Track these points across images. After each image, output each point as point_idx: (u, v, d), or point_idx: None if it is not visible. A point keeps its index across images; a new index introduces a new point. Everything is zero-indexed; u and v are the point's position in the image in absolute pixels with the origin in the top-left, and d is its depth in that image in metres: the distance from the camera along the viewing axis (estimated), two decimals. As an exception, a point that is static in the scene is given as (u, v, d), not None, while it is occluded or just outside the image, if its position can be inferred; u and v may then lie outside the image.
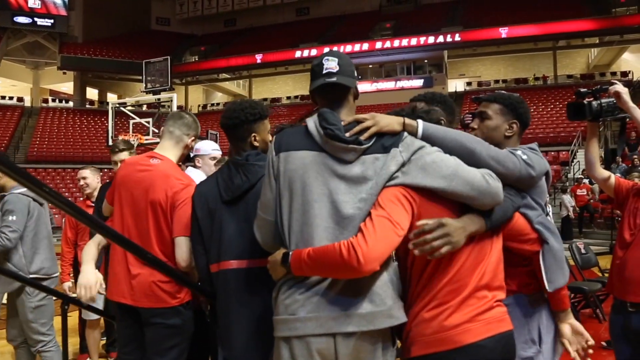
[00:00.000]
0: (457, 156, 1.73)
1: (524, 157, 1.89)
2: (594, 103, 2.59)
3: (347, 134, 1.72)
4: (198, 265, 2.27)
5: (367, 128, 1.74)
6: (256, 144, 2.24)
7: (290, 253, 1.69)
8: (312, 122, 1.80)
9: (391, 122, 1.77)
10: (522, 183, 1.90)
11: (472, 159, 1.75)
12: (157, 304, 2.47)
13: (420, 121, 1.79)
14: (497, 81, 30.01)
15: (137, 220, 2.56)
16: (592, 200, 15.67)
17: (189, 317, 2.56)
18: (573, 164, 19.60)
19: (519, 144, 2.15)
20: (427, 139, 1.76)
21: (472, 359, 1.68)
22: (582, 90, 2.65)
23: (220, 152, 3.81)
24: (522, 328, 1.95)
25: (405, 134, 1.75)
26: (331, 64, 1.80)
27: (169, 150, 2.67)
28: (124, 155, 3.88)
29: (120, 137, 17.56)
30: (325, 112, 1.78)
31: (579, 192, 15.72)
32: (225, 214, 2.16)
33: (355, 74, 1.88)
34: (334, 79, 1.79)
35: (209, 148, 3.75)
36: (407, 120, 1.78)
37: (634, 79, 26.49)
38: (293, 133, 1.85)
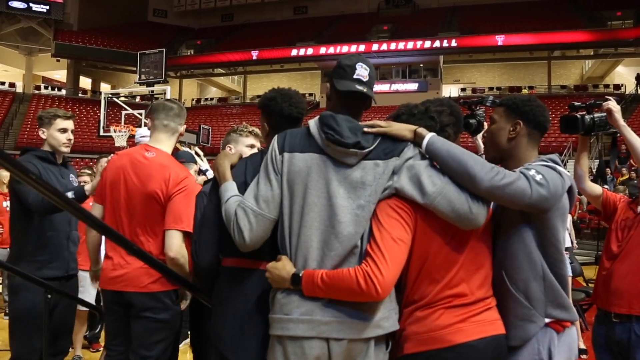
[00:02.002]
0: (457, 178, 1.73)
1: (538, 177, 1.77)
2: (587, 117, 2.58)
3: (365, 130, 1.75)
4: (206, 254, 2.03)
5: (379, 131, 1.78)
6: None
7: (301, 275, 1.70)
8: (313, 125, 1.83)
9: (402, 128, 1.80)
10: (536, 208, 1.80)
11: (471, 184, 1.72)
12: (143, 289, 2.49)
13: (429, 136, 1.78)
14: (491, 88, 30.12)
15: (130, 213, 2.56)
16: (579, 211, 15.74)
17: (176, 312, 2.58)
18: (563, 174, 19.70)
19: (535, 149, 2.04)
20: (429, 153, 1.76)
21: (463, 358, 1.70)
22: (575, 104, 2.65)
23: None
24: (531, 345, 1.90)
25: (409, 143, 1.78)
26: (363, 72, 1.84)
27: (164, 142, 2.69)
28: (63, 122, 3.19)
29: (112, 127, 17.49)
30: (325, 116, 1.79)
31: (569, 202, 15.68)
32: None
33: None
34: (365, 90, 1.83)
35: (139, 135, 3.49)
36: (419, 130, 1.80)
37: (627, 92, 26.70)
38: (296, 134, 1.86)
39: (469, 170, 1.72)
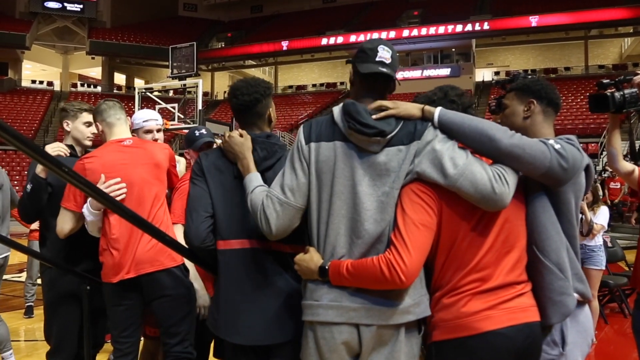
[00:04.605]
0: (475, 143, 1.72)
1: (557, 146, 1.74)
2: (617, 94, 2.50)
3: (374, 117, 1.74)
4: (197, 232, 2.06)
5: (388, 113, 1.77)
6: (272, 119, 2.18)
7: (328, 267, 1.72)
8: (337, 112, 1.83)
9: (410, 107, 1.79)
10: (553, 177, 1.76)
11: (491, 146, 1.70)
12: (159, 267, 2.61)
13: (439, 108, 1.78)
14: (526, 71, 29.30)
15: (144, 200, 2.67)
16: (622, 194, 15.26)
17: (190, 285, 2.72)
18: (602, 156, 19.17)
19: (551, 128, 2.02)
20: (444, 125, 1.75)
21: (492, 346, 1.67)
22: (604, 81, 2.58)
23: (156, 123, 3.19)
24: None
25: (429, 125, 1.76)
26: (386, 55, 1.82)
27: (127, 132, 2.90)
28: (89, 116, 3.10)
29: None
30: (347, 105, 1.79)
31: (612, 185, 15.15)
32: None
33: None
34: (388, 71, 1.80)
35: (140, 119, 3.20)
36: (427, 107, 1.78)
37: (669, 70, 25.71)
38: (321, 123, 1.86)
39: (487, 132, 1.71)
